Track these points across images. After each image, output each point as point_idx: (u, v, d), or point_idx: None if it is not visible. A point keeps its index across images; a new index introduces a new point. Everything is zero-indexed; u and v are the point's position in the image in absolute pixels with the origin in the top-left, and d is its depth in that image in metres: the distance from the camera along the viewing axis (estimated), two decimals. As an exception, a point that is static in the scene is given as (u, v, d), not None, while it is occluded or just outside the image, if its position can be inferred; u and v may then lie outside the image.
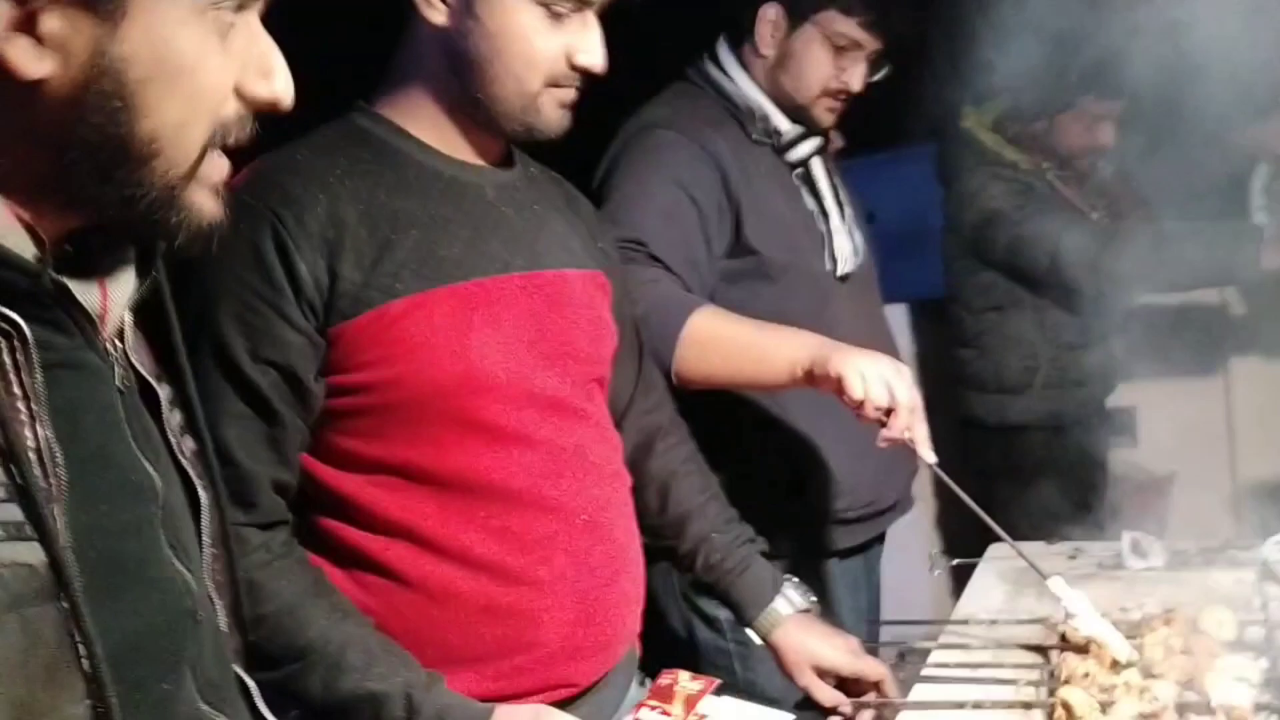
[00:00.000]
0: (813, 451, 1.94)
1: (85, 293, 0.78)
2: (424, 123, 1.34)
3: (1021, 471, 2.48)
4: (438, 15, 1.30)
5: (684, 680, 1.39)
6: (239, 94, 0.79)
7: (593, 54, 1.32)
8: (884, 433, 1.55)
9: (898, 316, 2.83)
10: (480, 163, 1.37)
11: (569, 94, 1.33)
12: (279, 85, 0.80)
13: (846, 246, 1.97)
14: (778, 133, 1.94)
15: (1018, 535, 2.00)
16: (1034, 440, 2.46)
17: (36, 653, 0.70)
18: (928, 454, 1.56)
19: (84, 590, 0.72)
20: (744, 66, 1.94)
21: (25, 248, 0.74)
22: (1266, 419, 2.67)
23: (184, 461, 0.88)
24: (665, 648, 1.70)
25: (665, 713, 1.33)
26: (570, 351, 1.37)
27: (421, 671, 1.23)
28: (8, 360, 0.71)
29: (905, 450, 1.59)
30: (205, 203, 0.79)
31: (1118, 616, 1.57)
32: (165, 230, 0.77)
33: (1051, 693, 1.39)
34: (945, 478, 1.59)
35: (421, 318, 1.26)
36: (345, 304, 1.24)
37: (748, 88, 1.93)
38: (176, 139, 0.75)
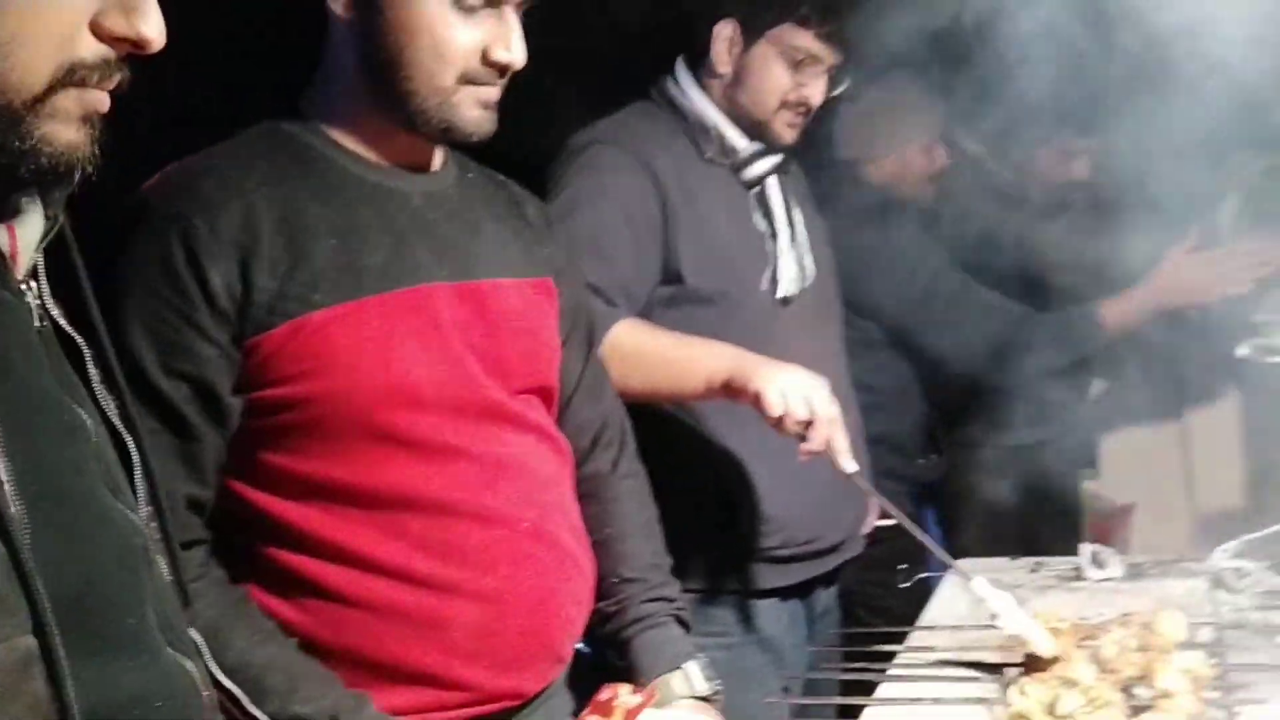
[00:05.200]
0: (748, 486, 1.89)
1: None
2: (347, 126, 1.29)
3: (992, 487, 2.53)
4: (341, 7, 1.26)
5: (624, 694, 1.38)
6: (98, 30, 0.75)
7: (509, 49, 1.25)
8: (803, 446, 1.58)
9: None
10: (407, 168, 1.32)
11: (489, 92, 1.27)
12: (142, 23, 0.75)
13: (792, 269, 1.93)
14: (734, 150, 1.91)
15: (981, 551, 2.08)
16: (1010, 456, 2.48)
17: None
18: (847, 464, 1.59)
19: (30, 525, 0.71)
20: (701, 85, 1.92)
21: None
22: (1221, 446, 2.76)
23: (111, 415, 0.86)
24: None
25: None
26: (503, 362, 1.32)
27: (347, 694, 1.20)
28: None
29: (853, 488, 1.60)
30: (65, 135, 0.75)
31: (1078, 622, 1.64)
32: (18, 157, 0.74)
33: (1006, 689, 1.45)
34: (864, 485, 1.65)
35: (342, 331, 1.21)
36: (260, 315, 1.19)
37: (703, 105, 1.91)
38: (6, 57, 0.72)
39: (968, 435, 2.50)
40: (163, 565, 0.88)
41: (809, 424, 1.57)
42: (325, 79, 1.31)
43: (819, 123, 2.34)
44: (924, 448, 2.48)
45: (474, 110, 1.26)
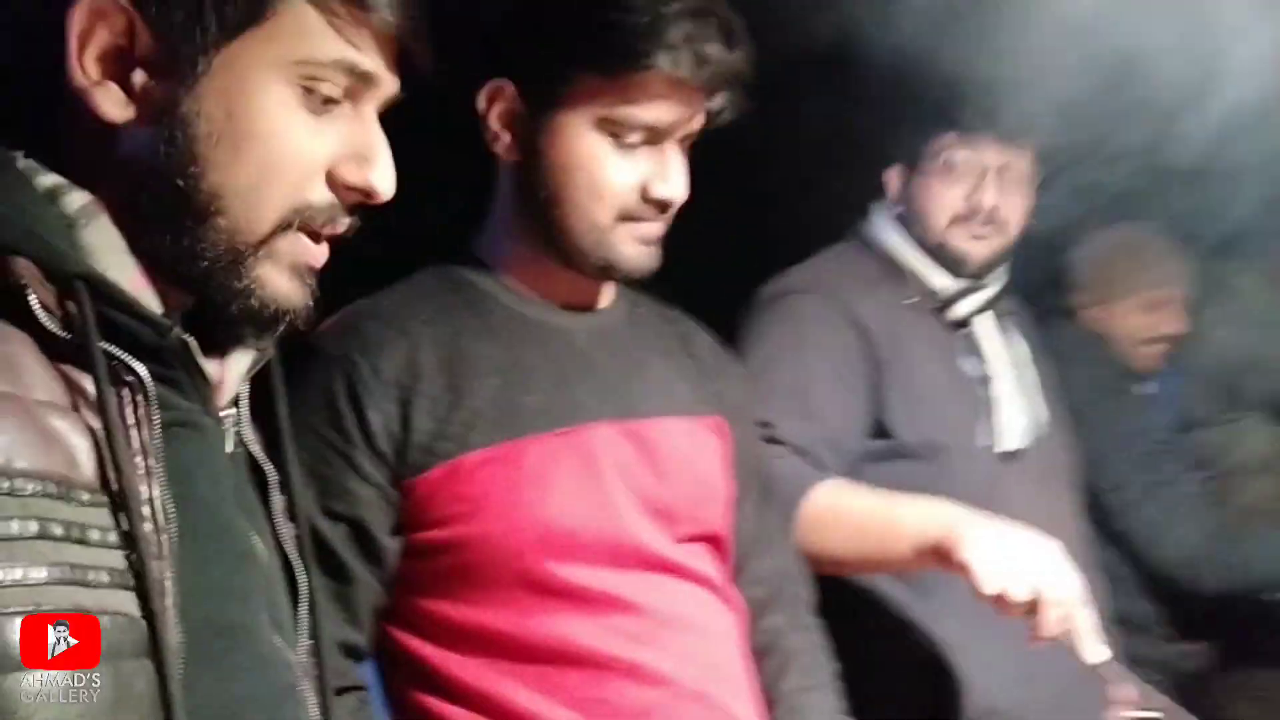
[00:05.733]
0: (949, 643, 1.64)
1: (204, 359, 0.80)
2: (513, 265, 1.29)
3: (1249, 665, 2.14)
4: (504, 150, 1.25)
5: None
6: (332, 179, 0.79)
7: (668, 184, 1.22)
8: (1031, 631, 1.32)
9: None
10: (573, 306, 1.30)
11: (649, 229, 1.24)
12: (374, 174, 0.80)
13: (1017, 418, 1.72)
14: (933, 291, 1.76)
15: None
16: None
17: (126, 709, 0.68)
18: (1092, 652, 1.31)
19: (185, 651, 0.71)
20: (896, 222, 1.80)
21: (154, 306, 0.77)
22: None
23: (286, 546, 0.87)
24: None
25: None
26: (668, 507, 1.24)
27: None
28: (129, 413, 0.73)
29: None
30: (279, 281, 0.79)
31: None
32: (232, 297, 0.78)
33: None
34: (1116, 676, 1.33)
35: (496, 472, 1.17)
36: (418, 456, 1.17)
37: (897, 244, 1.78)
38: (243, 203, 0.76)
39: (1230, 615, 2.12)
40: (312, 706, 0.86)
41: (1038, 603, 1.31)
42: (493, 220, 1.32)
43: (1049, 258, 2.14)
44: (1177, 630, 2.13)
45: (632, 247, 1.23)
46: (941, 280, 1.76)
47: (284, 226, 0.78)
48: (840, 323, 1.68)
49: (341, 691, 1.13)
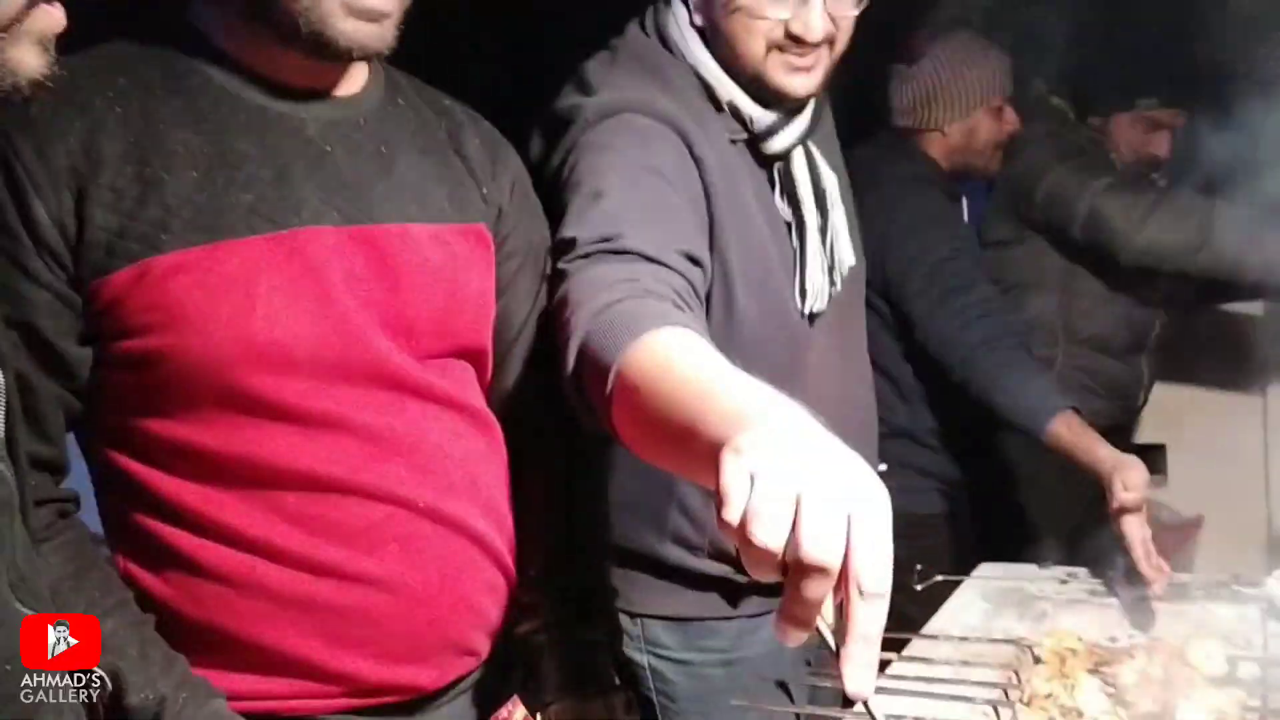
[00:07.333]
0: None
1: None
2: (235, 39, 1.09)
3: (1026, 483, 2.29)
4: None
5: (518, 718, 1.24)
6: None
7: None
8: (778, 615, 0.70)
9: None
10: (308, 91, 1.12)
11: None
12: None
13: (818, 277, 1.47)
14: (750, 121, 1.41)
15: (1011, 556, 1.89)
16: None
17: None
18: (855, 680, 0.70)
19: None
20: (699, 37, 1.42)
21: None
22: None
23: None
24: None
25: None
26: (407, 321, 1.13)
27: (182, 684, 1.05)
28: None
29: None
30: (25, 60, 0.75)
31: (1097, 645, 1.46)
32: None
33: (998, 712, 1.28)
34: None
35: (193, 279, 1.03)
36: (98, 255, 1.03)
37: (711, 70, 1.41)
38: None
39: (1003, 428, 2.22)
40: (18, 519, 0.83)
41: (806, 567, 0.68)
42: None
43: (871, 87, 2.10)
44: (955, 442, 2.23)
45: (347, 21, 1.04)
46: (755, 110, 1.42)
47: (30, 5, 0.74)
48: (683, 155, 1.35)
49: (41, 504, 1.04)
